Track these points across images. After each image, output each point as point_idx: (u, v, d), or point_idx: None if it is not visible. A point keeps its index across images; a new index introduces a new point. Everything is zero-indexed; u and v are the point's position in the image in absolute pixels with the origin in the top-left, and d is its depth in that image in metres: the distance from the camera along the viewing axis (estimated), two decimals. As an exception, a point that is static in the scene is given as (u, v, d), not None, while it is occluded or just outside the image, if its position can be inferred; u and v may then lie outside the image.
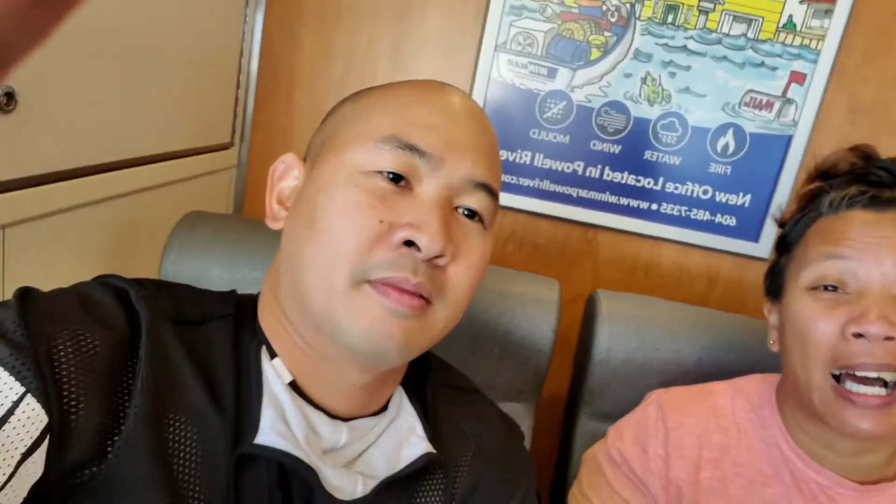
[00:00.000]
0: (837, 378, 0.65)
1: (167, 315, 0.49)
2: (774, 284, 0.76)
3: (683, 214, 1.29)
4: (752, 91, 1.23)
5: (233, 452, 0.46)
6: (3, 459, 0.36)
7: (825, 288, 0.67)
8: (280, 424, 0.47)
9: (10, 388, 0.37)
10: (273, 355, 0.51)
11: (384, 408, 0.56)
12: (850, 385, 0.64)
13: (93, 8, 0.76)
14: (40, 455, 0.38)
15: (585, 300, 1.00)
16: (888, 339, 0.62)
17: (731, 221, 1.28)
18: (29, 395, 0.38)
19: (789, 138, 1.24)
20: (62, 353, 0.41)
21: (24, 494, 0.38)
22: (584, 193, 1.29)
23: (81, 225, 0.86)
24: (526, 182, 1.29)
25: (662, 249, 1.32)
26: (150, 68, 0.94)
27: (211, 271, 0.89)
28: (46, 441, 0.38)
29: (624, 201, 1.29)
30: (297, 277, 0.49)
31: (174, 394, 0.45)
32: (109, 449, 0.42)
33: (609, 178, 1.28)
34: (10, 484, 0.36)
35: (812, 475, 0.71)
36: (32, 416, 0.38)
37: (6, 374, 0.38)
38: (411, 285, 0.46)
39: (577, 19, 1.22)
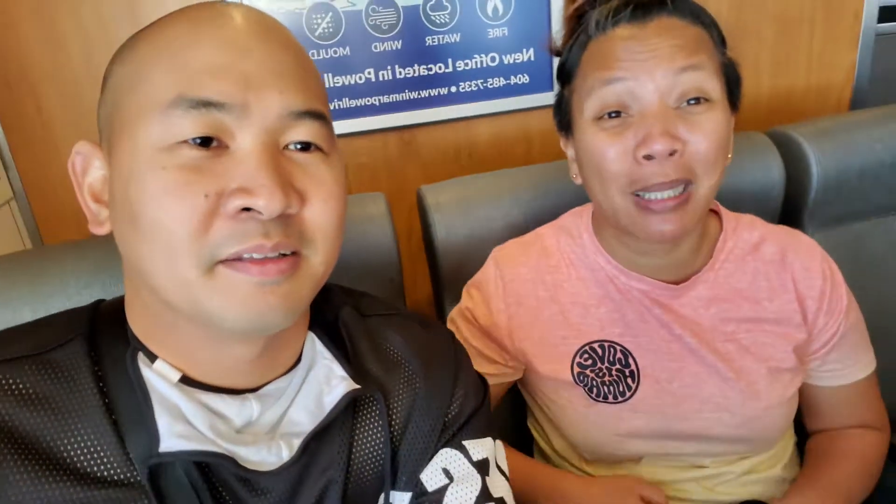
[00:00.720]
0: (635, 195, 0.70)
1: None
2: (564, 119, 0.78)
3: (481, 87, 1.32)
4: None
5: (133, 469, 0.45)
6: None
7: (609, 115, 0.69)
8: (179, 425, 0.45)
9: None
10: (154, 358, 0.48)
11: (298, 362, 0.54)
12: (647, 195, 0.69)
13: None
14: None
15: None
16: (673, 153, 0.66)
17: (524, 79, 1.34)
18: None
19: (548, -18, 1.29)
20: None
21: None
22: (385, 99, 1.28)
23: None
24: (325, 107, 1.26)
25: (475, 127, 1.36)
26: None
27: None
28: None
29: (424, 93, 1.30)
30: (147, 280, 0.45)
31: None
32: None
33: (402, 76, 1.28)
34: None
35: (635, 284, 0.79)
36: None
37: None
38: (269, 250, 0.43)
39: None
